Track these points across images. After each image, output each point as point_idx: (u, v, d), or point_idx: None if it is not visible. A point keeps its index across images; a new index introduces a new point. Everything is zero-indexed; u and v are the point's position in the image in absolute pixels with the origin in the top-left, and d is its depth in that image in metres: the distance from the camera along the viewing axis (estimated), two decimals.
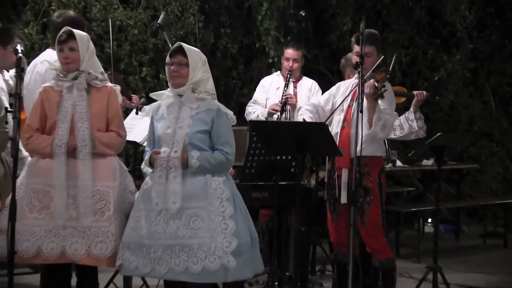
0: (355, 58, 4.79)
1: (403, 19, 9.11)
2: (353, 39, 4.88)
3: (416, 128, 5.16)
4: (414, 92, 5.26)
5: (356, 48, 4.76)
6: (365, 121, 4.58)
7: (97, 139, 4.09)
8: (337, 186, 4.80)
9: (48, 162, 4.05)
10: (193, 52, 4.08)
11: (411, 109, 5.20)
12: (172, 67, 4.06)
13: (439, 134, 5.50)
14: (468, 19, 9.53)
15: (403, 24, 9.12)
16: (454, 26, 9.52)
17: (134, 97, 5.51)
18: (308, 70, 7.95)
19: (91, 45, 4.20)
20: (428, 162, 7.86)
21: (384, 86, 4.52)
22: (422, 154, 6.62)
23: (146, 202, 4.01)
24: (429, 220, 8.49)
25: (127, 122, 5.22)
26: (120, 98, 4.27)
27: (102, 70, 4.26)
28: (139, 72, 7.71)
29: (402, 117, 5.14)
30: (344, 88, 4.95)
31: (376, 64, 4.68)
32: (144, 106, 4.27)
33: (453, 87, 9.59)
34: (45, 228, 3.98)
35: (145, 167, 5.45)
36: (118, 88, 4.29)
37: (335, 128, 4.83)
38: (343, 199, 4.74)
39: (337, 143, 4.70)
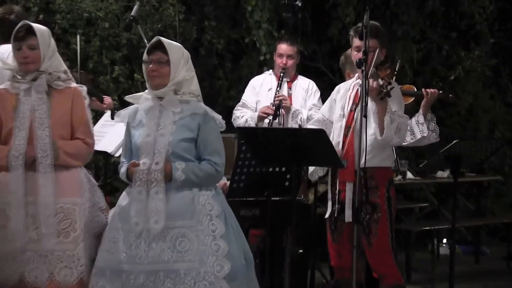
0: (354, 55, 4.81)
1: (414, 10, 9.16)
2: (351, 32, 4.90)
3: (428, 132, 5.18)
4: (424, 91, 5.28)
5: (356, 42, 4.78)
6: (375, 127, 4.60)
7: (60, 149, 4.08)
8: (338, 202, 4.81)
9: (4, 176, 4.03)
10: (175, 48, 4.09)
11: (421, 110, 5.22)
12: (150, 66, 4.06)
13: (455, 141, 5.53)
14: (488, 9, 9.56)
15: (414, 16, 9.17)
16: (473, 17, 9.56)
17: (106, 98, 5.51)
18: (305, 69, 7.98)
19: (52, 41, 4.18)
20: (443, 174, 7.88)
21: (390, 83, 4.53)
22: (436, 165, 6.64)
23: (123, 221, 4.00)
24: (444, 240, 8.51)
25: (97, 129, 5.23)
26: (87, 100, 4.25)
27: (65, 68, 4.24)
28: (111, 71, 7.72)
29: (412, 120, 5.16)
30: (344, 90, 4.96)
31: (374, 60, 4.66)
32: (119, 111, 4.25)
33: (471, 87, 9.63)
34: (1, 252, 3.95)
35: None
36: (84, 88, 4.27)
37: (336, 137, 4.84)
38: (347, 217, 4.74)
39: (340, 154, 4.71)
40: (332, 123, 4.95)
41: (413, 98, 5.53)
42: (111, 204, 4.44)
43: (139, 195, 3.95)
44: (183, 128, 4.02)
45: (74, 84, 4.24)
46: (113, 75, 7.72)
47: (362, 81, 4.46)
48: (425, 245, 8.82)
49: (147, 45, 5.38)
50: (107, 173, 5.86)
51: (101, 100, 5.37)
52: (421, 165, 6.26)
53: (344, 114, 4.85)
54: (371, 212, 4.76)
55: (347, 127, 4.80)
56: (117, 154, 5.31)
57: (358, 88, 4.78)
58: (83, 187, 4.14)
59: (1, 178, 4.04)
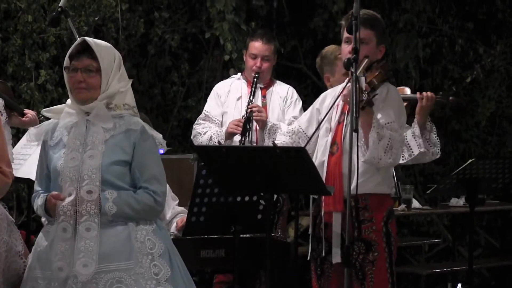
0: (345, 49, 4.86)
1: None
2: (342, 22, 4.95)
3: (426, 146, 5.26)
4: (418, 94, 5.37)
5: (346, 33, 4.83)
6: (361, 143, 4.65)
7: None
8: (324, 239, 4.85)
9: None
10: (105, 51, 4.11)
11: (415, 119, 5.30)
12: (75, 75, 4.08)
13: (471, 160, 5.59)
14: None
15: (420, 2, 9.26)
16: (493, 4, 9.68)
17: (28, 112, 5.54)
18: (282, 71, 8.05)
19: None
20: (458, 202, 7.95)
21: (374, 88, 4.58)
22: (449, 190, 6.70)
23: (43, 267, 4.01)
24: (459, 286, 8.58)
25: (17, 151, 5.25)
26: (3, 116, 4.28)
27: None
28: (36, 77, 7.73)
29: (408, 133, 5.23)
30: (331, 98, 5.00)
31: (364, 64, 4.72)
32: (31, 129, 4.26)
33: (493, 92, 9.71)
34: None
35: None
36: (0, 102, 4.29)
37: (320, 156, 4.88)
38: (335, 257, 4.79)
39: (324, 177, 4.76)
40: (308, 137, 4.98)
41: (405, 103, 5.60)
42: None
43: (63, 233, 3.97)
44: (116, 148, 4.05)
45: None
46: (38, 81, 7.73)
47: (352, 86, 4.50)
48: None
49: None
50: (31, 206, 5.85)
51: (22, 114, 5.40)
52: (428, 191, 6.31)
53: (331, 127, 4.90)
54: (365, 251, 4.79)
55: (334, 143, 4.85)
56: None
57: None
58: None
59: None
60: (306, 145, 4.85)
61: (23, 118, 5.41)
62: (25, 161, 5.24)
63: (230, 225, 4.86)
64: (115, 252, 3.96)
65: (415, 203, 7.60)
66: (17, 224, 4.40)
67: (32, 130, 4.19)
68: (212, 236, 5.06)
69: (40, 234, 4.12)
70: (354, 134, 4.39)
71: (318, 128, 4.89)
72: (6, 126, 4.53)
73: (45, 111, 4.23)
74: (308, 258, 4.95)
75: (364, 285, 4.79)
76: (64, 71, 4.15)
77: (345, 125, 4.75)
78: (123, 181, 4.05)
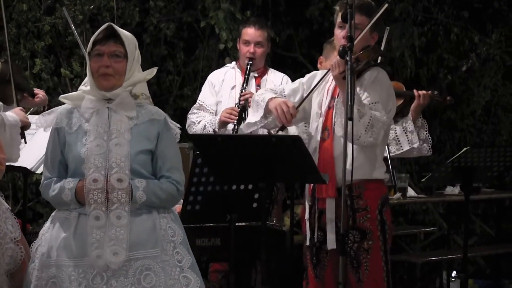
0: (338, 34, 4.86)
1: None
2: (337, 7, 4.95)
3: (418, 142, 5.28)
4: (416, 92, 5.38)
5: (340, 19, 4.82)
6: (340, 121, 4.59)
7: None
8: (319, 228, 4.86)
9: None
10: (129, 39, 4.11)
11: (410, 115, 5.31)
12: (101, 60, 4.05)
13: (466, 149, 5.60)
14: None
15: None
16: None
17: (39, 92, 5.50)
18: (277, 60, 8.06)
19: None
20: (454, 191, 7.97)
21: (358, 60, 4.57)
22: (444, 179, 6.71)
23: (75, 255, 4.00)
24: (454, 273, 8.60)
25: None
26: None
27: None
28: (31, 65, 7.74)
29: (397, 128, 5.24)
30: (322, 81, 4.98)
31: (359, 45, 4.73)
32: (43, 114, 4.23)
33: (489, 80, 9.73)
34: None
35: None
36: None
37: (312, 141, 4.90)
38: (330, 244, 4.79)
39: (316, 163, 4.76)
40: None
41: (402, 100, 5.62)
42: (33, 234, 4.46)
43: (96, 221, 3.96)
44: (141, 138, 4.06)
45: None
46: (33, 70, 7.74)
47: (347, 75, 4.49)
48: (432, 280, 8.92)
49: (75, 33, 5.44)
50: (26, 195, 5.86)
51: (33, 95, 5.35)
52: (424, 180, 6.31)
53: (321, 112, 4.90)
54: (359, 240, 4.81)
55: (325, 129, 4.85)
56: (39, 171, 5.32)
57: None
58: None
59: None
60: None
61: (35, 99, 5.36)
62: (20, 150, 5.22)
63: (226, 213, 4.87)
64: (143, 240, 3.99)
65: (411, 192, 7.62)
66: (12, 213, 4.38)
67: (43, 117, 4.17)
68: (208, 225, 5.08)
69: (56, 222, 4.09)
70: (349, 123, 4.38)
71: (300, 104, 4.87)
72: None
73: (62, 97, 4.20)
74: (308, 243, 4.94)
75: (359, 273, 4.81)
76: (88, 57, 4.10)
77: (335, 110, 4.75)
78: (146, 170, 4.06)
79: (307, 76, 5.09)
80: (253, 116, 5.01)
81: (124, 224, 3.96)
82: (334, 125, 4.70)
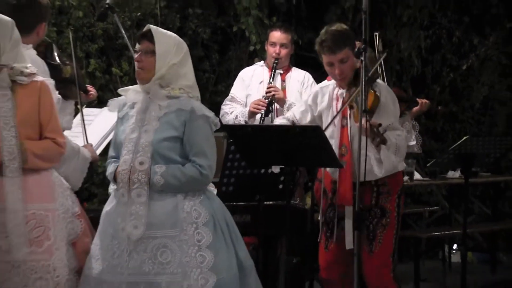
0: (333, 72, 4.86)
1: None
2: (316, 47, 4.95)
3: (413, 140, 5.33)
4: (419, 100, 5.43)
5: (325, 58, 4.86)
6: (372, 158, 4.71)
7: (28, 151, 4.09)
8: (336, 216, 4.90)
9: None
10: (165, 38, 4.11)
11: (408, 116, 5.34)
12: (137, 56, 4.11)
13: (465, 137, 5.61)
14: None
15: None
16: (487, 0, 9.63)
17: (91, 89, 5.57)
18: (300, 60, 8.06)
19: (16, 33, 4.17)
20: (455, 174, 7.93)
21: (380, 124, 4.52)
22: (446, 164, 6.72)
23: (108, 226, 4.09)
24: (455, 246, 8.60)
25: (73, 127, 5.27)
26: (55, 95, 4.30)
27: (29, 63, 4.23)
28: (86, 65, 7.78)
29: None
30: (327, 98, 5.00)
31: (355, 93, 4.73)
32: (112, 99, 4.30)
33: (487, 78, 9.70)
34: None
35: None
36: (51, 82, 4.27)
37: None
38: (348, 244, 4.81)
39: (337, 174, 4.83)
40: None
41: (404, 106, 5.65)
42: (88, 211, 4.51)
43: (122, 198, 4.03)
44: (167, 126, 4.05)
45: (40, 78, 4.22)
46: (88, 69, 7.78)
47: (361, 78, 4.49)
48: (436, 253, 8.91)
49: (125, 36, 5.49)
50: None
51: (86, 91, 5.42)
52: (429, 164, 6.33)
53: (335, 131, 4.90)
54: (379, 216, 4.87)
55: (342, 146, 4.86)
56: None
57: (344, 98, 4.85)
58: (55, 191, 4.17)
59: None
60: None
61: (89, 95, 5.41)
62: (78, 137, 5.25)
63: (255, 194, 4.91)
64: (162, 221, 4.00)
65: (417, 175, 7.59)
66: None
67: (112, 102, 4.25)
68: (240, 203, 5.09)
69: (111, 197, 4.19)
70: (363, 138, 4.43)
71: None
72: (59, 102, 4.57)
73: (120, 90, 4.28)
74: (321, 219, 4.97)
75: (372, 245, 4.87)
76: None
77: (350, 128, 4.81)
78: (175, 153, 4.05)
79: (310, 95, 5.13)
80: None
81: (143, 201, 3.99)
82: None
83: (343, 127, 4.84)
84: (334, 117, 4.80)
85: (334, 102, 4.94)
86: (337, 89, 4.94)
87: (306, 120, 5.03)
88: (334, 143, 4.84)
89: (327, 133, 4.84)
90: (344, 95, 4.85)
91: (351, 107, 4.75)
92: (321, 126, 4.83)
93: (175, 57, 4.11)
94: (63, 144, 4.24)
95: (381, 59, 5.33)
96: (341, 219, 4.90)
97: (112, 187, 4.99)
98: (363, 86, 4.44)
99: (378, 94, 4.77)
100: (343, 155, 4.83)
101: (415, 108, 5.41)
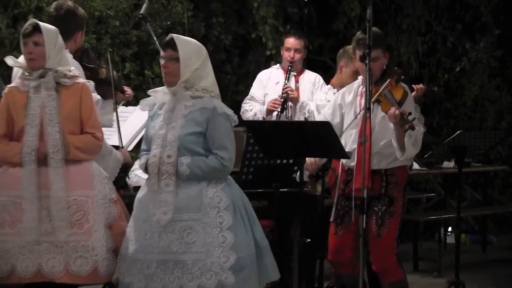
0: (360, 66, 4.85)
1: (419, 3, 9.19)
2: (353, 44, 4.95)
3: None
4: (414, 86, 5.42)
5: (359, 53, 4.81)
6: (395, 145, 4.71)
7: (70, 144, 4.14)
8: (353, 203, 4.86)
9: (19, 171, 4.11)
10: (186, 45, 4.11)
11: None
12: (162, 63, 4.12)
13: (459, 132, 5.58)
14: (493, 1, 9.57)
15: (419, 8, 9.20)
16: (478, 9, 9.58)
17: (128, 90, 5.57)
18: (311, 63, 8.04)
19: (60, 39, 4.22)
20: (449, 164, 7.91)
21: (410, 113, 4.58)
22: (442, 155, 6.69)
23: (140, 211, 4.11)
24: (450, 228, 8.56)
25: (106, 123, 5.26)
26: (95, 95, 4.33)
27: (72, 67, 4.28)
28: (122, 68, 7.79)
29: None
30: (352, 95, 5.00)
31: (385, 85, 4.74)
32: (144, 99, 4.30)
33: (477, 78, 9.66)
34: (19, 244, 4.05)
35: (134, 172, 5.55)
36: (91, 84, 4.34)
37: (351, 144, 4.90)
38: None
39: (356, 159, 4.80)
40: (334, 126, 4.95)
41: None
42: (124, 197, 4.51)
43: (152, 187, 4.04)
44: (192, 122, 4.06)
45: (81, 80, 4.28)
46: (124, 71, 7.79)
47: (366, 80, 4.49)
48: (432, 234, 8.88)
49: (156, 42, 5.48)
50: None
51: (123, 92, 5.42)
52: (426, 156, 6.30)
53: (357, 121, 4.89)
54: (387, 205, 4.85)
55: (363, 135, 4.83)
56: (129, 148, 5.37)
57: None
58: (94, 179, 4.20)
59: (15, 173, 4.12)
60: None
61: (125, 94, 5.40)
62: (115, 132, 5.25)
63: (272, 182, 4.89)
64: (188, 205, 4.01)
65: (415, 165, 7.57)
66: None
67: (143, 101, 4.25)
68: (258, 190, 5.07)
69: (142, 185, 4.20)
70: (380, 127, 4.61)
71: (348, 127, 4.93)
72: (99, 102, 4.59)
73: (150, 91, 4.29)
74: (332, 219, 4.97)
75: (380, 230, 4.88)
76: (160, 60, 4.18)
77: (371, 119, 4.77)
78: (198, 146, 4.05)
79: (338, 96, 5.11)
80: None
81: (171, 190, 4.00)
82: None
83: (365, 119, 4.82)
84: (359, 113, 4.79)
85: (358, 98, 4.94)
86: (361, 86, 4.93)
87: (337, 119, 5.02)
88: (355, 133, 4.86)
89: (347, 123, 4.91)
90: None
91: (378, 101, 4.73)
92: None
93: (197, 62, 4.12)
94: (101, 138, 4.29)
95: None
96: (350, 209, 4.86)
97: (135, 174, 5.11)
98: (368, 86, 4.43)
99: (406, 90, 4.80)
100: (361, 143, 4.80)
101: (412, 94, 5.36)
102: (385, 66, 4.95)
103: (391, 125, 4.71)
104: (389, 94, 4.68)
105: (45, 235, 4.06)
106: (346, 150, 4.76)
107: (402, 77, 4.94)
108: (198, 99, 4.10)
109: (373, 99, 4.70)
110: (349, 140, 4.91)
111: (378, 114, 4.82)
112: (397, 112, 4.57)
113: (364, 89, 4.86)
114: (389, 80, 4.81)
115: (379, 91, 4.73)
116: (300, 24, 8.68)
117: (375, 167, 4.78)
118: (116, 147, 5.14)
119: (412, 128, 4.55)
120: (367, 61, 4.50)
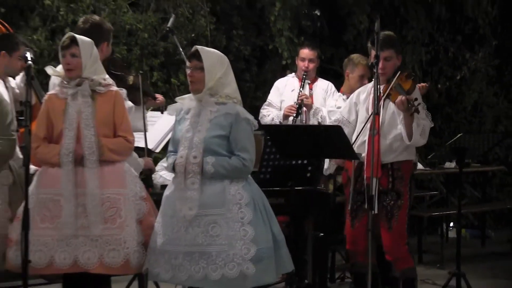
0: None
1: (422, 16, 9.16)
2: (369, 44, 4.93)
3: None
4: (418, 85, 5.36)
5: (374, 53, 4.79)
6: (403, 131, 4.68)
7: (104, 146, 4.17)
8: (365, 195, 4.83)
9: (58, 171, 4.15)
10: (210, 55, 4.12)
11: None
12: (188, 72, 4.14)
13: (460, 135, 5.55)
14: (491, 14, 9.52)
15: (422, 21, 9.17)
16: (477, 22, 9.53)
17: (159, 96, 5.59)
18: (323, 71, 8.01)
19: (95, 50, 4.27)
20: (451, 165, 7.87)
21: (416, 99, 4.57)
22: (444, 156, 6.66)
23: (167, 207, 4.11)
24: (451, 224, 8.51)
25: (139, 127, 5.28)
26: (128, 103, 4.35)
27: (107, 75, 4.32)
28: (150, 76, 7.81)
29: None
30: (365, 94, 4.99)
31: (395, 79, 4.71)
32: (171, 105, 4.31)
33: (476, 86, 9.62)
34: (57, 238, 4.08)
35: (159, 173, 5.56)
36: (123, 91, 4.38)
37: (362, 136, 4.87)
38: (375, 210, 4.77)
39: (366, 151, 4.76)
40: (350, 123, 5.00)
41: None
42: (152, 195, 4.52)
43: (179, 185, 4.05)
44: (217, 126, 4.07)
45: (115, 88, 4.32)
46: (152, 80, 7.81)
47: (374, 83, 4.48)
48: (435, 229, 8.83)
49: (182, 53, 5.49)
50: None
51: (154, 98, 5.44)
52: (429, 157, 6.28)
53: (369, 116, 4.87)
54: (395, 199, 4.83)
55: (373, 128, 4.82)
56: (157, 150, 5.38)
57: (380, 93, 4.81)
58: (126, 179, 4.22)
59: (54, 173, 4.15)
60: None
61: (156, 101, 5.41)
62: (143, 135, 5.28)
63: (288, 181, 4.87)
64: (213, 202, 4.01)
65: (420, 166, 7.53)
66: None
67: (171, 106, 4.26)
68: (275, 188, 5.06)
69: (169, 183, 4.20)
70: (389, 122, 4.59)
71: (364, 125, 4.89)
72: (132, 109, 4.62)
73: (177, 98, 4.30)
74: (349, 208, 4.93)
75: (391, 223, 4.85)
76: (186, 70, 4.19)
77: (381, 115, 4.78)
78: (222, 149, 4.06)
79: (354, 95, 5.11)
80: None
81: (196, 188, 4.01)
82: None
83: (376, 114, 4.79)
84: (373, 112, 4.73)
85: (371, 96, 4.90)
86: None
87: (353, 117, 5.03)
88: (367, 125, 4.83)
89: (361, 119, 4.90)
90: (381, 89, 4.79)
91: (388, 95, 4.71)
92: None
93: (220, 70, 4.12)
94: (132, 141, 4.32)
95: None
96: (362, 203, 4.84)
97: (160, 175, 5.13)
98: (376, 91, 4.42)
99: (415, 83, 4.80)
100: (371, 136, 4.80)
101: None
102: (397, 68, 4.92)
103: (400, 118, 4.68)
104: (399, 87, 4.66)
105: (81, 229, 4.09)
106: (359, 141, 4.76)
107: (413, 74, 4.92)
108: (222, 105, 4.11)
109: (385, 94, 4.69)
110: (361, 133, 4.89)
111: (388, 109, 4.81)
112: (403, 98, 4.57)
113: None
114: (400, 72, 4.78)
115: (391, 85, 4.71)
116: (313, 36, 8.66)
117: (383, 161, 4.74)
118: (142, 149, 5.17)
119: (417, 111, 4.52)
120: (375, 70, 4.48)
